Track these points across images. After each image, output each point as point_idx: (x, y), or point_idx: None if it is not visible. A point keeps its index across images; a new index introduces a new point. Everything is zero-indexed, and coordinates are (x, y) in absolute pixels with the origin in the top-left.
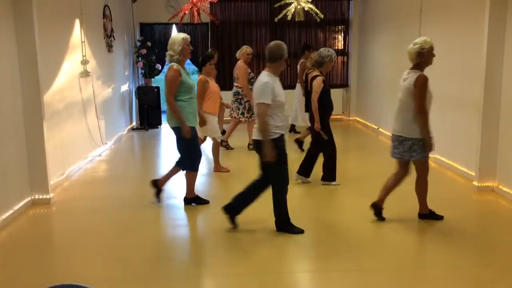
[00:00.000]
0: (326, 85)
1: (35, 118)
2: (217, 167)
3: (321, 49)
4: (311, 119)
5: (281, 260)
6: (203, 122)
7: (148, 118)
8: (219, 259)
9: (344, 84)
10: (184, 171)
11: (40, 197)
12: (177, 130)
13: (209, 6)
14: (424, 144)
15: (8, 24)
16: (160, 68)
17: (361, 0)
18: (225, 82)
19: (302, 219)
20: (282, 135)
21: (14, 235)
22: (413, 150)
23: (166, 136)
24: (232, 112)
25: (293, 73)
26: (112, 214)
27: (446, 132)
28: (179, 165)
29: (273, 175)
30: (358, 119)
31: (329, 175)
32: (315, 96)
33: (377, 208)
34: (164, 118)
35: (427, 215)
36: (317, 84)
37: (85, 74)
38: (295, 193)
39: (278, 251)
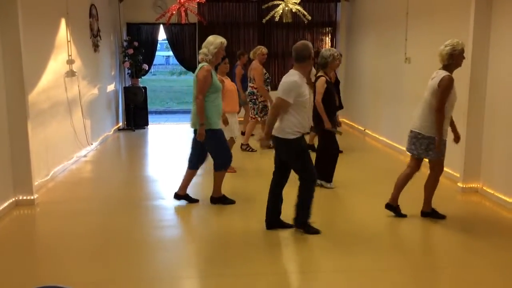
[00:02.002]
0: (330, 86)
1: (19, 118)
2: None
3: (322, 50)
4: (314, 119)
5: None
6: (225, 122)
7: (135, 119)
8: (204, 260)
9: None
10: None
11: (24, 198)
12: (207, 132)
13: (196, 6)
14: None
15: None
16: (147, 69)
17: (348, 2)
18: None
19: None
20: (303, 134)
21: None
22: (430, 149)
23: (153, 136)
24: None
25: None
26: (97, 216)
27: None
28: (214, 169)
29: (301, 172)
30: (345, 120)
31: (325, 175)
32: (318, 97)
33: (391, 207)
34: (151, 118)
35: (430, 213)
36: (320, 85)
37: (71, 73)
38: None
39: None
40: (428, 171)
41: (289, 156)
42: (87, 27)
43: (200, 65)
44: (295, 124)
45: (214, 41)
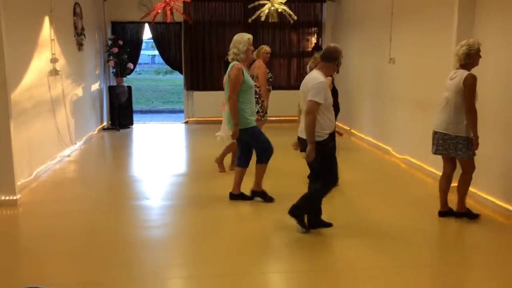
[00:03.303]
0: (335, 86)
1: (1, 117)
2: (218, 161)
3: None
4: None
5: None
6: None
7: (119, 118)
8: (191, 260)
9: None
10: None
11: (6, 198)
12: (243, 131)
13: (182, 5)
14: (469, 143)
15: None
16: (131, 68)
17: (334, 2)
18: (199, 83)
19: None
20: (329, 134)
21: None
22: (459, 149)
23: (138, 136)
24: None
25: (273, 74)
26: (81, 216)
27: (415, 133)
28: (258, 162)
29: (324, 175)
30: None
31: None
32: None
33: (446, 213)
34: (136, 118)
35: (465, 213)
36: (327, 84)
37: (55, 72)
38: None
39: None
40: (460, 171)
41: (316, 157)
42: (71, 25)
43: (231, 64)
44: (322, 126)
45: (242, 39)
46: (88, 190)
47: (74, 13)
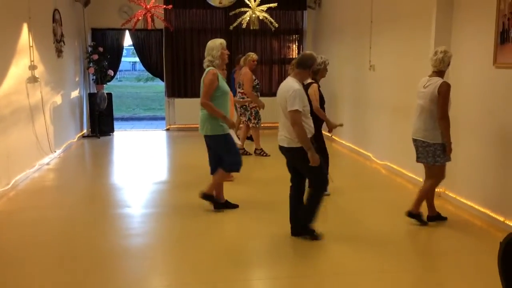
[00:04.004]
0: (321, 93)
1: None
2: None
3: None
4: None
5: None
6: (231, 125)
7: (100, 125)
8: (172, 269)
9: None
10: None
11: None
12: (213, 138)
13: (163, 12)
14: (444, 150)
15: None
16: (112, 74)
17: (315, 10)
18: (180, 90)
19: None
20: (313, 141)
21: None
22: (437, 155)
23: (119, 143)
24: (241, 117)
25: (262, 81)
26: (61, 225)
27: (395, 139)
28: (223, 169)
29: (315, 178)
30: None
31: None
32: (316, 104)
33: (435, 218)
34: (117, 125)
35: (435, 217)
36: (314, 91)
37: (33, 79)
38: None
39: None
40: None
41: (302, 163)
42: (50, 32)
43: (206, 70)
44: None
45: (215, 45)
46: (67, 199)
47: (54, 20)
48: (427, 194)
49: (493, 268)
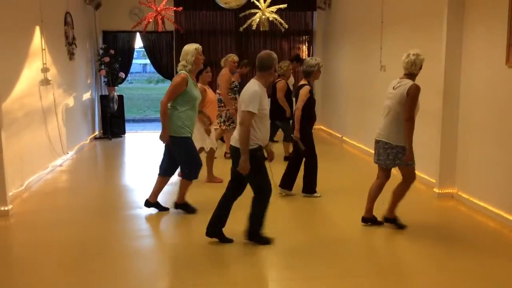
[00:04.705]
0: (313, 96)
1: None
2: (210, 178)
3: (307, 59)
4: (293, 127)
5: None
6: (208, 131)
7: (111, 127)
8: (182, 269)
9: None
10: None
11: None
12: (174, 139)
13: (173, 14)
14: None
15: None
16: (123, 77)
17: (324, 11)
18: None
19: (290, 230)
20: (260, 146)
21: None
22: (398, 158)
23: (130, 145)
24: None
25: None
26: (73, 226)
27: None
28: (183, 177)
29: (255, 185)
30: (322, 127)
31: (310, 187)
32: (300, 104)
33: (368, 220)
34: (128, 127)
35: (392, 220)
36: (304, 93)
37: (46, 82)
38: (278, 206)
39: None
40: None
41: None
42: (62, 35)
43: (179, 72)
44: (254, 135)
45: (189, 50)
46: (80, 200)
47: (65, 23)
48: (400, 196)
49: (507, 270)
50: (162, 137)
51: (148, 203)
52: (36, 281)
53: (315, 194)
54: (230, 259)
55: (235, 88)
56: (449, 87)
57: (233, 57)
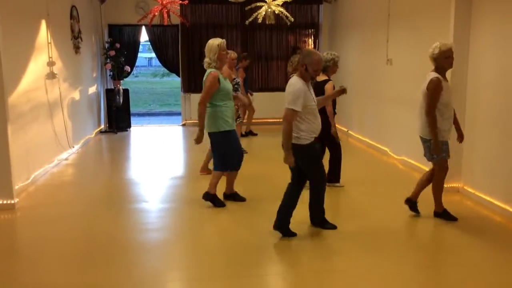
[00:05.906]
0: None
1: None
2: (203, 169)
3: (324, 53)
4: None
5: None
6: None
7: (117, 121)
8: (188, 263)
9: None
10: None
11: (4, 202)
12: (220, 134)
13: (179, 8)
14: (442, 145)
15: None
16: (128, 70)
17: (331, 4)
18: (196, 85)
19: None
20: (316, 138)
21: None
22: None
23: (136, 139)
24: None
25: (271, 75)
26: (79, 220)
27: (412, 134)
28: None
29: (314, 176)
30: None
31: (334, 177)
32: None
33: (411, 202)
34: (134, 120)
35: (441, 214)
36: (330, 88)
37: (52, 75)
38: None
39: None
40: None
41: (303, 161)
42: (68, 28)
43: (207, 71)
44: (308, 129)
45: (212, 47)
46: (86, 194)
47: (71, 16)
48: (438, 190)
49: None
50: (198, 140)
51: (225, 195)
52: (42, 274)
53: (337, 184)
54: (231, 252)
55: (235, 86)
56: (456, 79)
57: (231, 54)
